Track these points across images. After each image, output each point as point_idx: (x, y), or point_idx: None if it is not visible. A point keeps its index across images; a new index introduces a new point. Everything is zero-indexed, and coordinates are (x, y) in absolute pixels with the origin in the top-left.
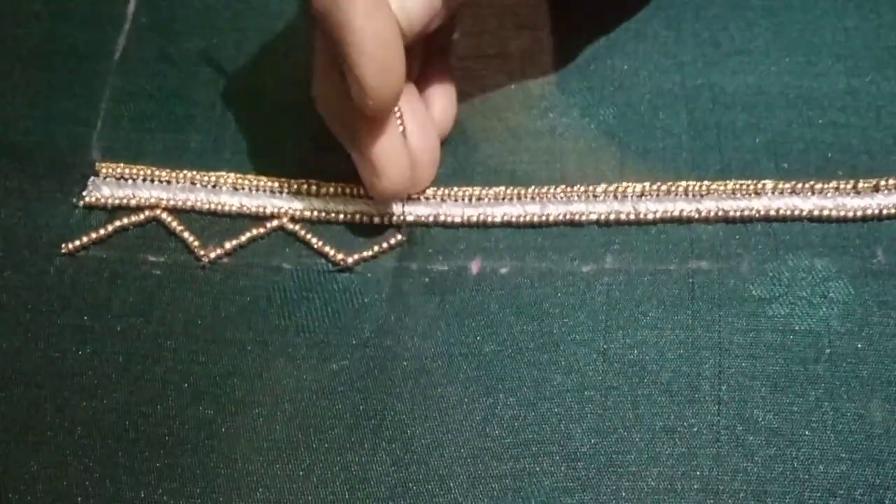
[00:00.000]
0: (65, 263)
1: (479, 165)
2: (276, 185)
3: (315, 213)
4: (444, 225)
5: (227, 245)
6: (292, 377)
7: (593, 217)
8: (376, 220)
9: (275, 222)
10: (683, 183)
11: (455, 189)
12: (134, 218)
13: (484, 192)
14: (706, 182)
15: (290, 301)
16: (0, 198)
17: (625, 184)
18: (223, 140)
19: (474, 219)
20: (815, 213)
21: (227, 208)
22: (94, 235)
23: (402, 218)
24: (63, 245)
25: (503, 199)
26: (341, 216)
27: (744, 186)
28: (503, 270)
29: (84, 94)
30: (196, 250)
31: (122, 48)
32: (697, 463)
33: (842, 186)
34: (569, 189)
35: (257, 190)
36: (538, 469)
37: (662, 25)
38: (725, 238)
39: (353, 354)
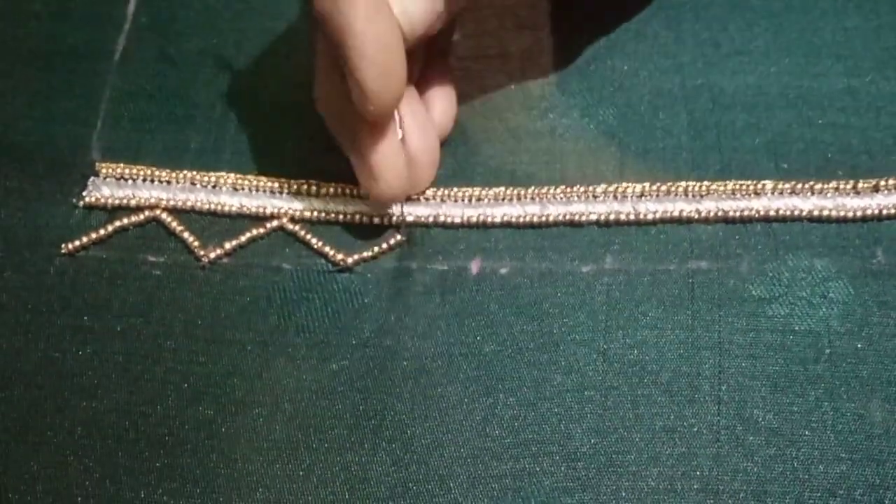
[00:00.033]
0: (65, 263)
1: (479, 166)
2: (276, 185)
3: (315, 213)
4: (444, 225)
5: (227, 245)
6: (292, 377)
7: (593, 217)
8: (376, 220)
9: (275, 222)
10: (683, 183)
11: (455, 189)
12: (134, 218)
13: (484, 192)
14: (706, 182)
15: (290, 301)
16: (0, 198)
17: (624, 184)
18: (223, 140)
19: (474, 219)
20: (815, 213)
21: (226, 208)
22: (94, 235)
23: (401, 218)
24: (63, 245)
25: (503, 199)
26: (341, 216)
27: (743, 187)
28: (503, 271)
29: (84, 94)
30: (196, 250)
31: (122, 48)
32: (697, 463)
33: (841, 186)
34: (568, 189)
35: (257, 190)
36: (538, 469)
37: (662, 26)
38: (725, 238)
39: (353, 354)
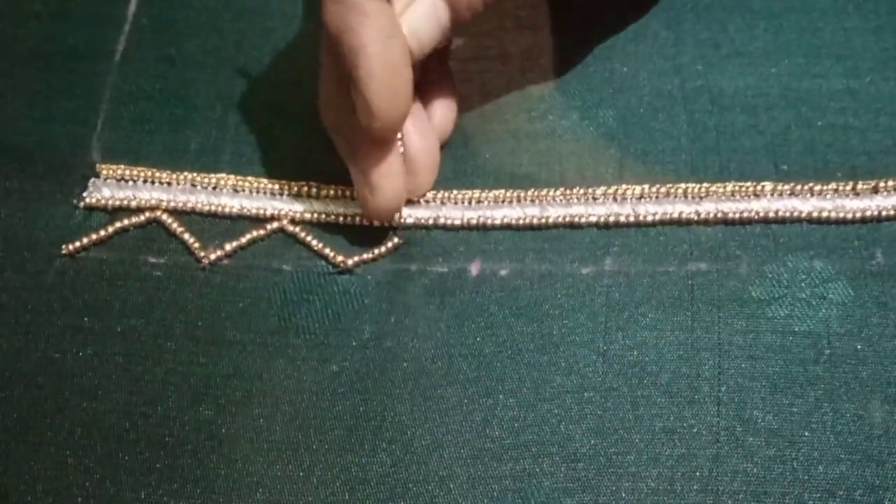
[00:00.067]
0: (65, 264)
1: (479, 168)
2: (277, 187)
3: (315, 215)
4: (444, 227)
5: (228, 247)
6: (292, 378)
7: (593, 219)
8: (376, 222)
9: (275, 224)
10: (683, 185)
11: (455, 192)
12: (134, 219)
13: (484, 194)
14: (705, 184)
15: (290, 303)
16: (0, 198)
17: (624, 186)
18: (223, 141)
19: (474, 221)
20: (815, 214)
21: (227, 210)
22: (94, 237)
23: (402, 220)
24: (63, 246)
25: (503, 201)
26: (341, 218)
27: (743, 188)
28: (503, 272)
29: (84, 95)
30: (196, 252)
31: (123, 48)
32: (697, 464)
33: (841, 188)
34: (568, 191)
35: (257, 192)
36: (538, 470)
37: (662, 27)
38: (725, 240)
39: (353, 356)
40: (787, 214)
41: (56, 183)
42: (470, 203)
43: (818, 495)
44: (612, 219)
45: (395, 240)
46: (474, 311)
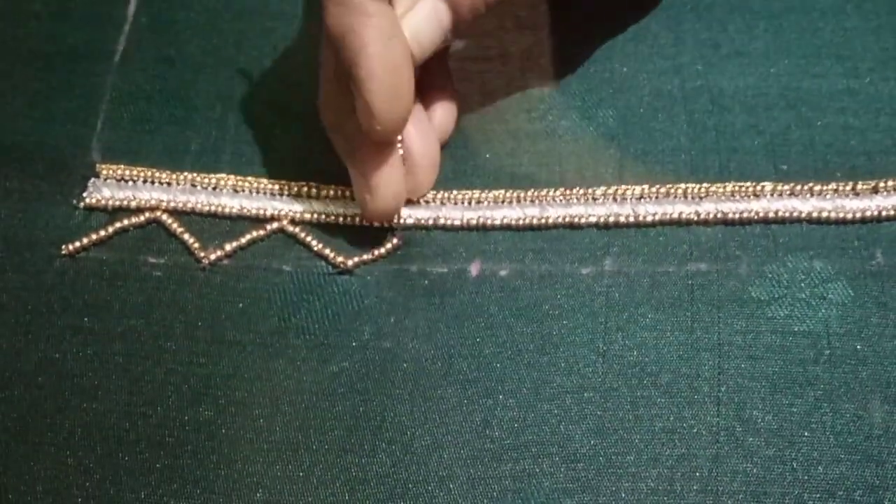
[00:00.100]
0: (65, 265)
1: (479, 168)
2: (277, 187)
3: (315, 215)
4: (444, 228)
5: (228, 247)
6: (292, 379)
7: (592, 219)
8: (375, 223)
9: (275, 224)
10: (682, 185)
11: (455, 192)
12: (134, 219)
13: (483, 194)
14: (705, 184)
15: (290, 303)
16: (0, 198)
17: (624, 186)
18: (223, 141)
19: (474, 221)
20: (814, 214)
21: (227, 210)
22: (94, 237)
23: (401, 221)
24: (63, 246)
25: (503, 201)
26: (341, 219)
27: (743, 188)
28: (503, 273)
29: (84, 95)
30: (196, 252)
31: (122, 49)
32: (697, 464)
33: (841, 188)
34: (568, 192)
35: (257, 192)
36: (538, 470)
37: (662, 27)
38: (724, 240)
39: (353, 356)
40: (787, 215)
41: (56, 183)
42: (470, 203)
43: (818, 495)
44: (611, 219)
45: (395, 240)
46: (474, 312)
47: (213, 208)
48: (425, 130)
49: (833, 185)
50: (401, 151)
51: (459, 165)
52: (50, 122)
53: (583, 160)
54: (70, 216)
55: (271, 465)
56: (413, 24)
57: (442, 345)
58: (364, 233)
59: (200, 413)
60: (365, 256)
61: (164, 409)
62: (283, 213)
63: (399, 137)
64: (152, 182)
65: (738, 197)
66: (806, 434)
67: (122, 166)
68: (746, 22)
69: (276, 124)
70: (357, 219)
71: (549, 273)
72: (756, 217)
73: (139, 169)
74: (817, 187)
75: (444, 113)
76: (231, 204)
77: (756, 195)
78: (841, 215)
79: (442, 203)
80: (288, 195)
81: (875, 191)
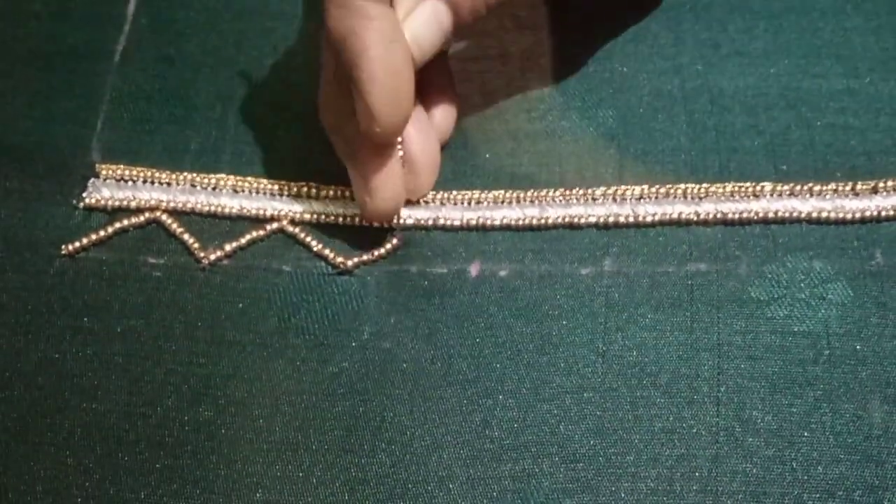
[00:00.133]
0: (65, 265)
1: (479, 168)
2: (276, 187)
3: (315, 215)
4: (444, 228)
5: (227, 247)
6: (292, 379)
7: (592, 220)
8: (375, 223)
9: (274, 225)
10: (682, 185)
11: (454, 192)
12: (134, 220)
13: (483, 195)
14: (705, 184)
15: (290, 303)
16: (0, 198)
17: (623, 186)
18: (223, 141)
19: (473, 222)
20: (814, 214)
21: (227, 210)
22: (94, 237)
23: (401, 221)
24: (63, 246)
25: (502, 202)
26: (341, 219)
27: (742, 188)
28: (502, 273)
29: (84, 95)
30: (196, 252)
31: (122, 48)
32: (696, 464)
33: (840, 188)
34: (568, 192)
35: (257, 192)
36: (537, 470)
37: (662, 27)
38: (724, 240)
39: (353, 357)
40: (787, 215)
41: (56, 183)
42: (469, 204)
43: (817, 496)
44: (611, 219)
45: (395, 241)
46: (474, 312)
47: (212, 208)
48: (425, 131)
49: (833, 186)
50: (401, 152)
51: (459, 166)
52: (50, 122)
53: (583, 160)
54: (70, 216)
55: (271, 465)
56: (414, 27)
57: (441, 345)
58: (364, 233)
59: (200, 413)
60: (365, 257)
61: (163, 410)
62: (282, 213)
63: (399, 138)
64: (152, 182)
65: (737, 197)
66: (805, 434)
67: (122, 166)
68: (746, 22)
69: (276, 124)
70: (357, 219)
71: (548, 273)
72: (756, 217)
73: (139, 169)
74: (817, 187)
75: (444, 113)
76: (231, 204)
77: (756, 195)
78: (840, 215)
79: (442, 203)
80: (288, 195)
81: (875, 191)
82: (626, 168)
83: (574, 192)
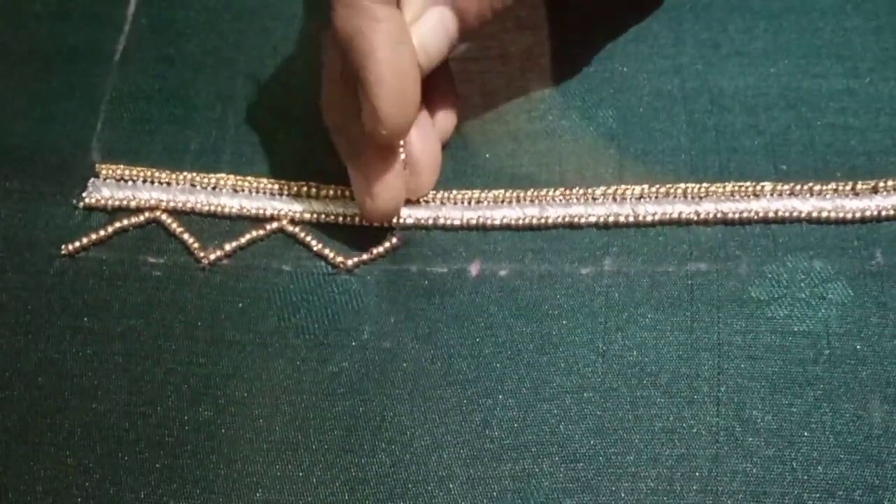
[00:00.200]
0: (65, 265)
1: (479, 168)
2: (276, 187)
3: (315, 215)
4: (444, 227)
5: (227, 247)
6: (292, 379)
7: (592, 219)
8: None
9: (274, 224)
10: (682, 185)
11: (455, 192)
12: (134, 219)
13: (483, 194)
14: (705, 184)
15: (290, 303)
16: (0, 198)
17: (624, 186)
18: (223, 141)
19: (474, 221)
20: (814, 214)
21: (226, 210)
22: (94, 237)
23: (401, 221)
24: (63, 246)
25: (502, 201)
26: (340, 219)
27: (742, 188)
28: (502, 273)
29: (84, 95)
30: (196, 252)
31: (122, 49)
32: (696, 464)
33: (840, 188)
34: (568, 192)
35: (257, 192)
36: (537, 470)
37: (662, 27)
38: (724, 240)
39: (353, 356)
40: (787, 214)
41: (56, 183)
42: (469, 203)
43: (818, 495)
44: (611, 219)
45: (395, 240)
46: (474, 312)
47: (212, 208)
48: (427, 131)
49: (833, 185)
50: (402, 153)
51: (459, 166)
52: (50, 122)
53: (583, 160)
54: (70, 216)
55: (271, 464)
56: (421, 34)
57: (441, 345)
58: (364, 233)
59: (200, 413)
60: (365, 256)
61: (163, 409)
62: (282, 212)
63: (402, 140)
64: (152, 182)
65: (737, 197)
66: (805, 434)
67: (122, 166)
68: (746, 22)
69: (276, 124)
70: (357, 219)
71: (548, 273)
72: (756, 217)
73: (139, 169)
74: (817, 187)
75: (445, 113)
76: (231, 204)
77: (756, 195)
78: (840, 215)
79: (442, 203)
80: (288, 195)
81: (875, 191)
82: (626, 168)
83: (574, 191)
